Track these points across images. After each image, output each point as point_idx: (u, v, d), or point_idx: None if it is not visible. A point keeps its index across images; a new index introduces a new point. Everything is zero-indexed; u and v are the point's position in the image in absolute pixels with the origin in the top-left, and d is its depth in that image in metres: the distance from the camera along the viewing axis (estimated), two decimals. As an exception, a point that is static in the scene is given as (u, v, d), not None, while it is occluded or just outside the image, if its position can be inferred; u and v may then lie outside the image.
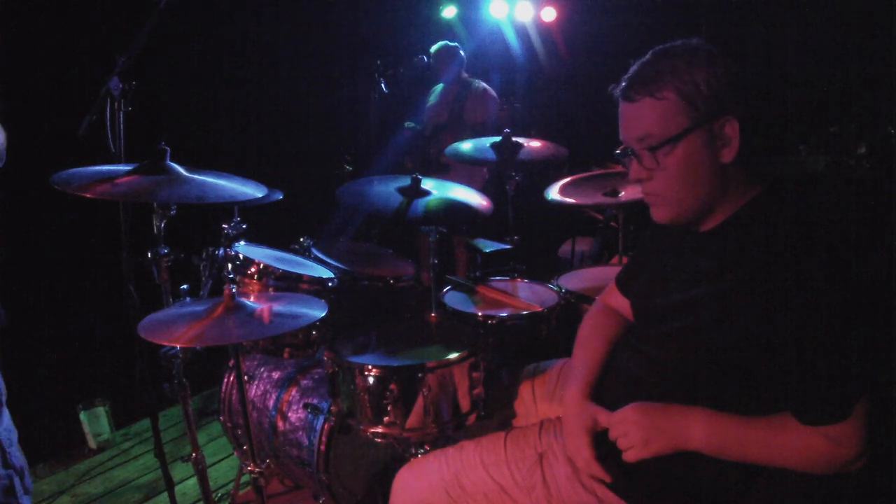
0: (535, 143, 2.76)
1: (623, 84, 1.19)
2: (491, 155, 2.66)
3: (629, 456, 1.20)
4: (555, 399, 1.61)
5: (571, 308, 2.18)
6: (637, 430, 1.19)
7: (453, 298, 2.25)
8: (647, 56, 1.18)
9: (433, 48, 4.11)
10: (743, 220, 1.18)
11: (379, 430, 1.64)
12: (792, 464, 1.14)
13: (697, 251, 1.24)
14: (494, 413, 1.71)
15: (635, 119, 1.17)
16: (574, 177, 2.72)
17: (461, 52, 4.15)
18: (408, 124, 4.14)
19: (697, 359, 1.20)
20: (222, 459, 2.80)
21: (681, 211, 1.21)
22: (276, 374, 2.23)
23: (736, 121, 1.12)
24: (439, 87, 4.25)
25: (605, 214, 3.73)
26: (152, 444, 2.11)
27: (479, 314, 2.10)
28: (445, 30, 4.79)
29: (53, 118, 2.65)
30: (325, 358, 1.72)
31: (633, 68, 1.18)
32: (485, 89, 4.13)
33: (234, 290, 1.56)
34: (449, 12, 4.80)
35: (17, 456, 1.80)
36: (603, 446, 1.27)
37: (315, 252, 2.34)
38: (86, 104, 1.83)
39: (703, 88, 1.11)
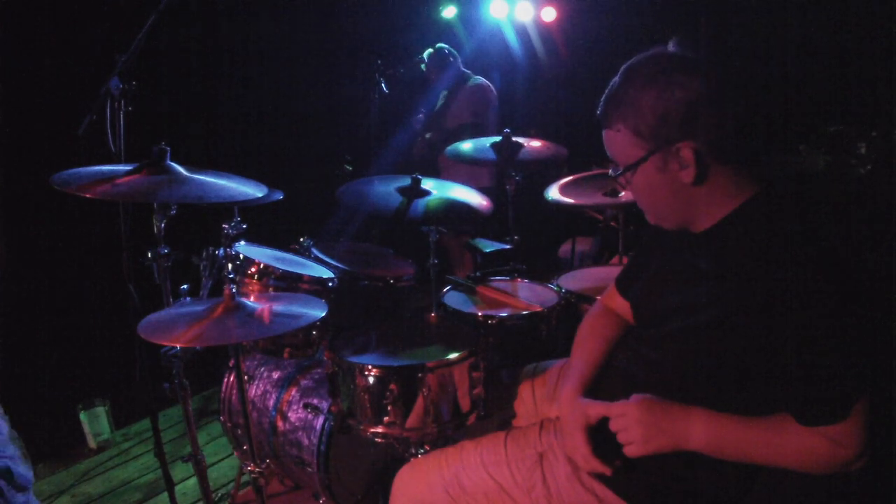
0: (535, 143, 2.76)
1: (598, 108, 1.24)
2: (491, 155, 2.66)
3: (629, 451, 1.20)
4: (555, 399, 1.61)
5: (571, 308, 2.18)
6: (637, 427, 1.19)
7: (453, 298, 2.25)
8: (617, 78, 1.20)
9: (426, 53, 4.04)
10: (741, 220, 1.18)
11: (379, 430, 1.64)
12: (792, 464, 1.14)
13: (696, 252, 1.24)
14: (494, 413, 1.71)
15: (606, 142, 1.24)
16: (574, 177, 2.72)
17: (450, 55, 4.04)
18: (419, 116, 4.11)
19: (697, 360, 1.20)
20: (222, 459, 2.80)
21: (661, 219, 1.26)
22: (276, 374, 2.23)
23: (691, 146, 1.12)
24: (444, 92, 4.17)
25: (605, 214, 3.73)
26: (152, 444, 2.12)
27: (479, 314, 2.10)
28: (445, 30, 4.78)
29: (53, 118, 2.64)
30: (325, 358, 1.72)
31: (606, 91, 1.21)
32: (477, 85, 4.04)
33: (234, 290, 1.56)
34: (449, 12, 4.80)
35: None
36: (601, 444, 1.27)
37: (315, 252, 2.34)
38: (86, 104, 1.83)
39: (650, 119, 1.13)
